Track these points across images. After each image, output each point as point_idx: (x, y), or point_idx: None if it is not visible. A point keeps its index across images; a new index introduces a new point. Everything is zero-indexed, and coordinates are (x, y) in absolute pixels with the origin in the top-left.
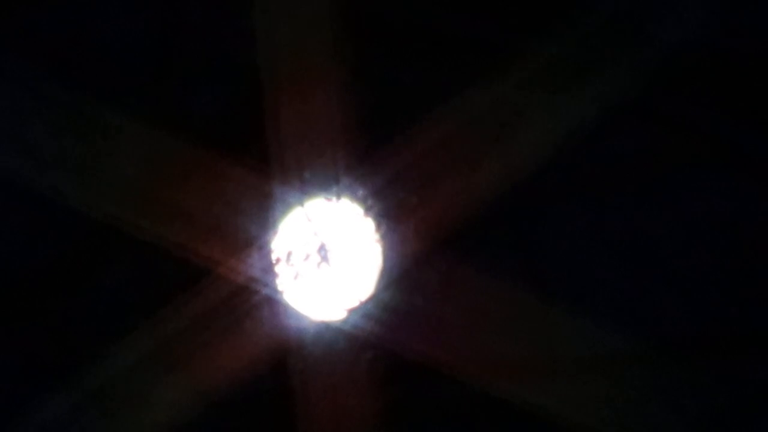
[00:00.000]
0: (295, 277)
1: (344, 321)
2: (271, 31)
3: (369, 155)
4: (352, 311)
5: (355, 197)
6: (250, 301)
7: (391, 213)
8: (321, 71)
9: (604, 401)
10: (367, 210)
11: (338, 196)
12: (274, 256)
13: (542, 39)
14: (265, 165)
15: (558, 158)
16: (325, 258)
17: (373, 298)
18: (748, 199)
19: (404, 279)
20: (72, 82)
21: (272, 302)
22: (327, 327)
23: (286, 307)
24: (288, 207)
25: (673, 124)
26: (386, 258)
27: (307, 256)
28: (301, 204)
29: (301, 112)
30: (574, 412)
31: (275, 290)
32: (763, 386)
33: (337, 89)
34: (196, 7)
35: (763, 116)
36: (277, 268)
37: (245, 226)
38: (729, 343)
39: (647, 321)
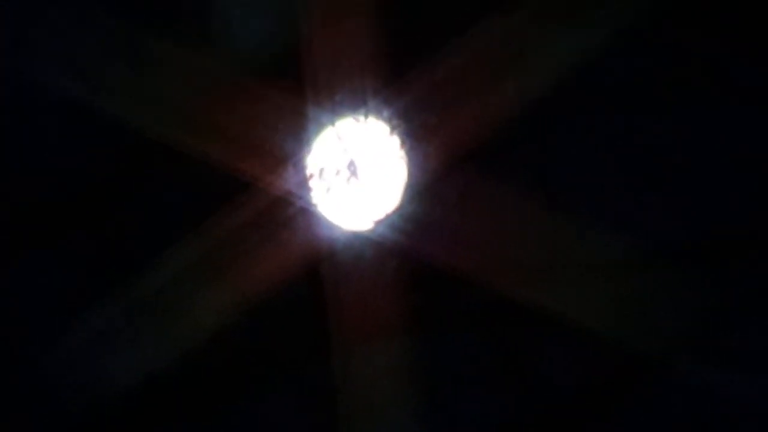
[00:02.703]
0: (327, 191)
1: (372, 231)
2: None
3: (395, 79)
4: (379, 222)
5: (382, 117)
6: (286, 213)
7: (415, 132)
8: (353, 9)
9: (608, 302)
10: (393, 129)
11: (367, 116)
12: (308, 172)
13: None
14: (301, 88)
15: (565, 83)
16: (354, 173)
17: (398, 210)
18: (741, 117)
19: (427, 192)
20: (129, 15)
21: (306, 214)
22: (356, 236)
23: (318, 218)
24: (321, 126)
25: (671, 49)
26: (410, 173)
27: (338, 171)
28: (333, 123)
29: (334, 40)
30: (581, 313)
31: (309, 203)
32: (748, 288)
33: (368, 18)
34: None
35: (756, 43)
36: (311, 183)
37: (282, 144)
38: (722, 248)
39: (648, 229)
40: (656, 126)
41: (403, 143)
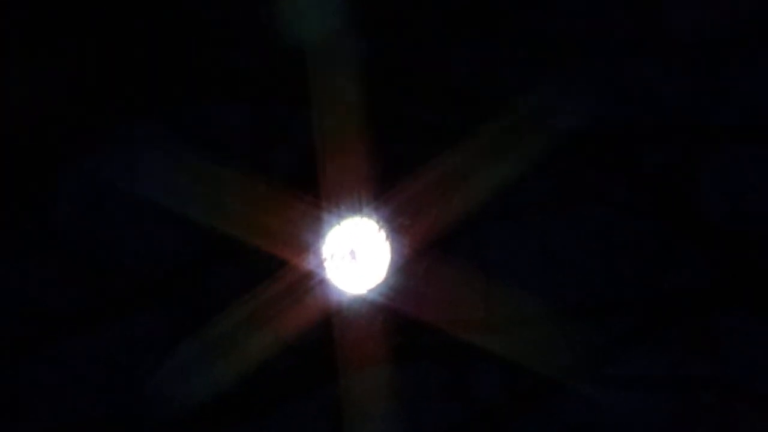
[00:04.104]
0: (337, 268)
1: (366, 295)
2: (324, 120)
3: (381, 195)
4: (371, 289)
5: (373, 219)
6: (309, 283)
7: (394, 229)
8: (352, 147)
9: (524, 341)
10: (380, 227)
11: (362, 218)
12: (323, 255)
13: (488, 125)
14: (318, 201)
15: (493, 197)
16: (354, 256)
17: (384, 281)
18: (613, 221)
19: (403, 269)
20: (201, 154)
21: (322, 283)
22: (356, 299)
23: (331, 287)
24: (332, 225)
25: (564, 174)
26: (392, 256)
27: (344, 255)
28: (340, 223)
29: (340, 170)
30: (505, 349)
31: (324, 276)
32: (620, 332)
33: (361, 157)
34: (280, 109)
35: (621, 169)
36: (326, 263)
37: (306, 237)
38: (599, 305)
39: (550, 293)
40: (553, 226)
41: (387, 236)
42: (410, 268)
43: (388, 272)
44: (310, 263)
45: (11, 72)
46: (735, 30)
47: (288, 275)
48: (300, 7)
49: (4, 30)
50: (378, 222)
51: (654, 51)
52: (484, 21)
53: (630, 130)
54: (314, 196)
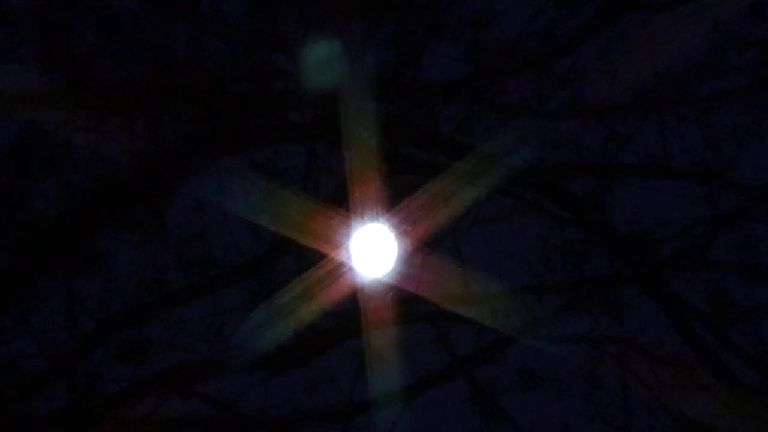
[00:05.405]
0: (361, 259)
1: (382, 277)
2: (353, 158)
3: (391, 209)
4: (384, 274)
5: (386, 225)
6: (342, 269)
7: (401, 232)
8: (372, 176)
9: (491, 309)
10: (390, 230)
11: (379, 224)
12: (351, 250)
13: (464, 162)
14: (349, 212)
15: (468, 212)
16: (372, 250)
17: (394, 268)
18: (550, 227)
19: (406, 260)
20: (269, 180)
21: (351, 271)
22: (374, 280)
23: (356, 273)
24: (356, 229)
25: (517, 197)
26: (398, 251)
27: (365, 250)
28: (362, 227)
29: (363, 191)
30: (476, 314)
31: (351, 265)
32: (556, 302)
33: (378, 183)
34: (323, 150)
35: (555, 193)
36: (353, 256)
37: (339, 237)
38: (539, 288)
39: (507, 279)
40: (509, 231)
41: (395, 236)
42: (411, 259)
43: (396, 262)
44: (342, 255)
45: (141, 126)
46: (634, 97)
47: (327, 264)
48: (336, 82)
49: (139, 100)
50: (389, 227)
51: (578, 113)
52: (462, 91)
53: (561, 166)
54: (345, 209)
